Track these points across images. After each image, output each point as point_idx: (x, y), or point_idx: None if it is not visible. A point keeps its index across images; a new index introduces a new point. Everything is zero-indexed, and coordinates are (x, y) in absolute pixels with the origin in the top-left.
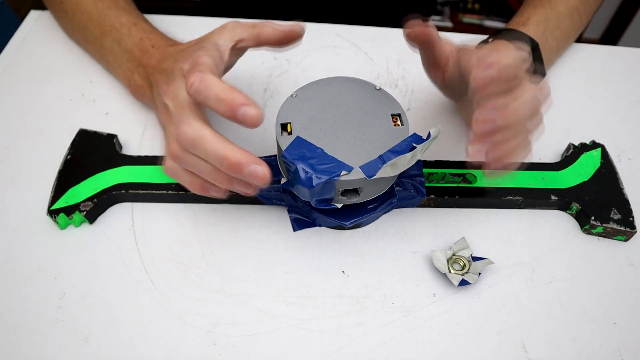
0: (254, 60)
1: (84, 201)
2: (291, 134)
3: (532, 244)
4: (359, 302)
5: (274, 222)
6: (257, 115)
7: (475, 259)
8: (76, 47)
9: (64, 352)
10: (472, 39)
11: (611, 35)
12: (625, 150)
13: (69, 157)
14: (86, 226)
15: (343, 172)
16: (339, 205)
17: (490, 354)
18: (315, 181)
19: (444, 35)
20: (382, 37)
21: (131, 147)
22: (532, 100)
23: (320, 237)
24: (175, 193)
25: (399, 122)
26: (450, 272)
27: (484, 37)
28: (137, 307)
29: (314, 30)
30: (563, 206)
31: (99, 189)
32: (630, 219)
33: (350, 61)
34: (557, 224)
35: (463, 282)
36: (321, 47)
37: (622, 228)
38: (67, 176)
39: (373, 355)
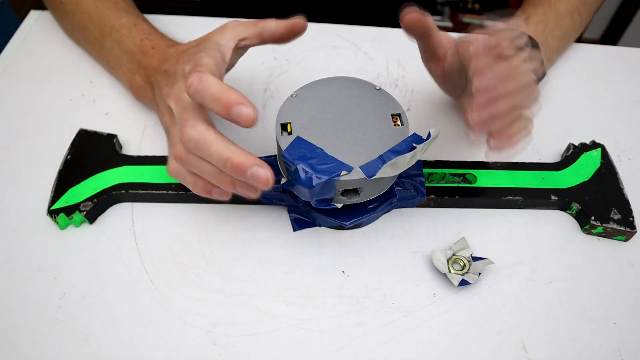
0: (254, 60)
1: (84, 201)
2: (291, 134)
3: (532, 244)
4: (359, 302)
5: (274, 222)
6: (251, 115)
7: (475, 259)
8: (76, 47)
9: (64, 352)
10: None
11: (611, 35)
12: (625, 150)
13: (69, 157)
14: (86, 226)
15: (343, 172)
16: (339, 205)
17: (490, 354)
18: (315, 181)
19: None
20: (382, 37)
21: (131, 147)
22: (530, 69)
23: (320, 237)
24: (175, 193)
25: (399, 122)
26: (450, 272)
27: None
28: (137, 307)
29: (314, 30)
30: (563, 206)
31: (99, 189)
32: (630, 219)
33: (350, 61)
34: (557, 224)
35: (463, 282)
36: (321, 47)
37: (622, 228)
38: (67, 176)
39: (373, 355)
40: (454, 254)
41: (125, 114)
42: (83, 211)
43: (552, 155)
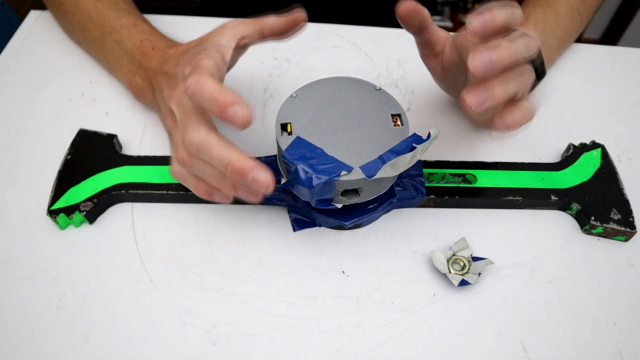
0: (254, 60)
1: (84, 201)
2: (291, 134)
3: (532, 244)
4: (359, 302)
5: (274, 222)
6: (245, 116)
7: (475, 259)
8: (76, 47)
9: (64, 352)
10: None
11: (611, 35)
12: (625, 150)
13: (69, 157)
14: (86, 226)
15: (343, 172)
16: (339, 206)
17: (490, 354)
18: (315, 181)
19: None
20: (382, 37)
21: (131, 147)
22: (524, 40)
23: (320, 237)
24: (175, 193)
25: (399, 122)
26: (450, 272)
27: None
28: (137, 307)
29: (314, 30)
30: (563, 206)
31: (99, 189)
32: (630, 219)
33: (350, 61)
34: (557, 224)
35: (463, 282)
36: (321, 47)
37: (622, 228)
38: (67, 176)
39: (373, 355)
40: (454, 254)
41: (125, 114)
42: (83, 211)
43: (552, 155)
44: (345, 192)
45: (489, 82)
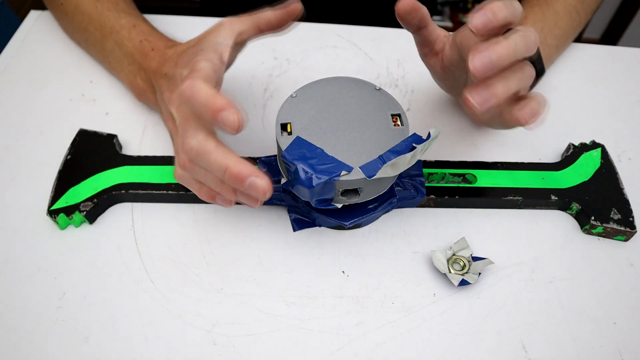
0: (254, 60)
1: (84, 201)
2: (291, 134)
3: (532, 244)
4: (359, 302)
5: (274, 222)
6: (235, 121)
7: (475, 259)
8: (76, 47)
9: (64, 352)
10: None
11: (611, 35)
12: (625, 150)
13: (69, 157)
14: (86, 226)
15: (343, 172)
16: (339, 205)
17: (490, 354)
18: (315, 181)
19: None
20: (382, 37)
21: (131, 147)
22: (523, 38)
23: (320, 237)
24: (175, 193)
25: (399, 122)
26: (450, 272)
27: None
28: (137, 307)
29: (314, 30)
30: (563, 206)
31: (99, 189)
32: (630, 219)
33: (350, 61)
34: (557, 224)
35: (463, 282)
36: (321, 47)
37: (622, 228)
38: (67, 176)
39: (373, 355)
40: (454, 254)
41: (125, 114)
42: (83, 211)
43: (552, 155)
44: (345, 192)
45: (491, 81)
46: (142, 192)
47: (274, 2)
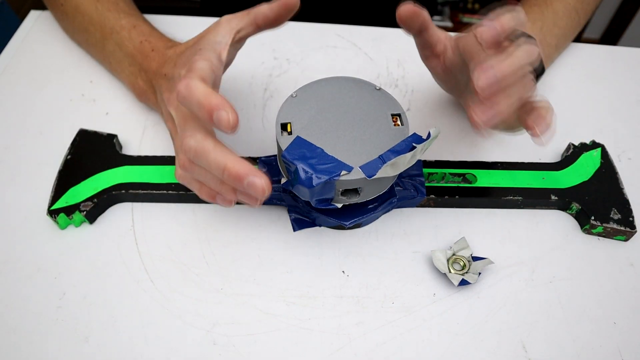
0: (254, 61)
1: (84, 201)
2: (291, 134)
3: (532, 244)
4: (359, 302)
5: (274, 222)
6: (229, 120)
7: (475, 259)
8: (76, 47)
9: (64, 352)
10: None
11: (611, 35)
12: (625, 150)
13: (69, 157)
14: (86, 226)
15: (343, 172)
16: (339, 205)
17: (490, 354)
18: (315, 181)
19: None
20: (382, 37)
21: (131, 147)
22: (525, 50)
23: (320, 237)
24: (175, 193)
25: (399, 122)
26: (450, 272)
27: None
28: (137, 307)
29: (314, 30)
30: (563, 206)
31: (99, 189)
32: (630, 219)
33: (350, 61)
34: (557, 224)
35: (463, 282)
36: (321, 47)
37: (622, 228)
38: (67, 176)
39: (373, 355)
40: (454, 254)
41: (125, 114)
42: (83, 211)
43: (552, 155)
44: (345, 192)
45: (495, 99)
46: (142, 192)
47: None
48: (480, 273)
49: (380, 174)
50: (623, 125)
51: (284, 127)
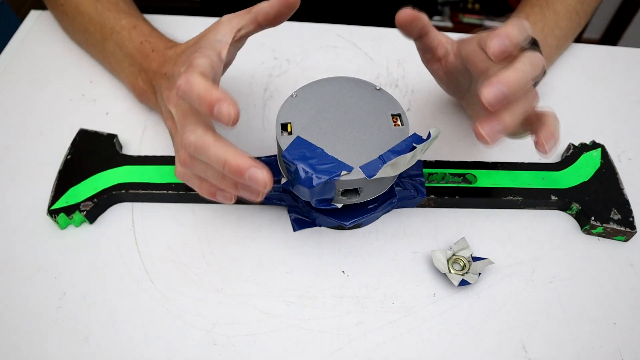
0: (254, 61)
1: (84, 201)
2: (291, 134)
3: (532, 244)
4: (359, 302)
5: (274, 222)
6: (230, 112)
7: (475, 259)
8: (76, 47)
9: (64, 352)
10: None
11: (611, 35)
12: (625, 150)
13: (69, 157)
14: (86, 226)
15: (343, 172)
16: (339, 205)
17: (490, 354)
18: (315, 181)
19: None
20: (382, 37)
21: (131, 147)
22: (530, 65)
23: (320, 237)
24: (175, 193)
25: (399, 122)
26: (450, 272)
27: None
28: (137, 307)
29: (314, 30)
30: (563, 206)
31: (99, 189)
32: (630, 219)
33: (350, 61)
34: (557, 224)
35: (463, 282)
36: (321, 47)
37: (622, 228)
38: (67, 176)
39: (373, 355)
40: (454, 254)
41: (125, 114)
42: (83, 211)
43: (552, 155)
44: (346, 192)
45: (500, 113)
46: (142, 192)
47: None
48: (480, 273)
49: (380, 174)
50: (623, 126)
51: (284, 127)
